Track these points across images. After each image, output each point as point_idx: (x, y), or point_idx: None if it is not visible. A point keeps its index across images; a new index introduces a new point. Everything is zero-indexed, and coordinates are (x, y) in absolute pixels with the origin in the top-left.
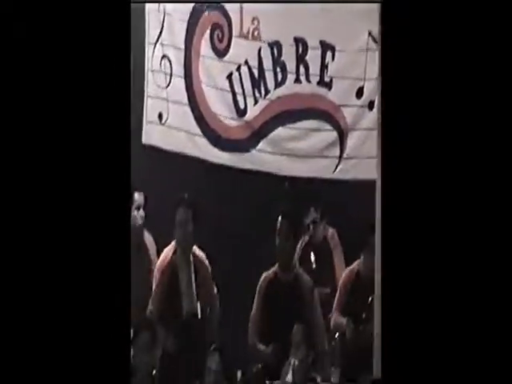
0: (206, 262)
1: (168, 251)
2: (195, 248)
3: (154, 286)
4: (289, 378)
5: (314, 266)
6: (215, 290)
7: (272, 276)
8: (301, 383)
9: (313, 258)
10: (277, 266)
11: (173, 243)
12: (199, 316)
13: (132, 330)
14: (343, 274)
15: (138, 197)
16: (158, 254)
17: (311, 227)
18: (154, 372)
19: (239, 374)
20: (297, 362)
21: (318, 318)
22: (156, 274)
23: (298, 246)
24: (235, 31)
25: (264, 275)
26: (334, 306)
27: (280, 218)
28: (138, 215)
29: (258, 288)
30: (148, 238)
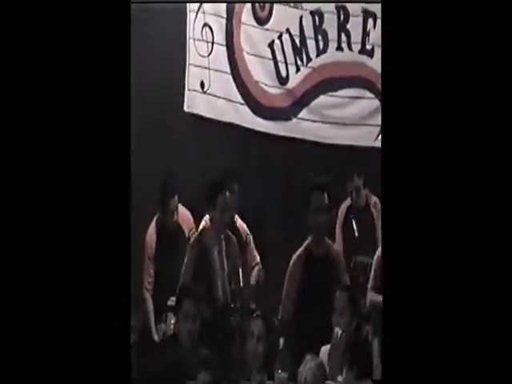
0: (248, 230)
1: (207, 220)
2: (236, 217)
3: (188, 257)
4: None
5: (356, 233)
6: (258, 258)
7: (306, 252)
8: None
9: (355, 225)
10: (310, 239)
11: (212, 213)
12: (241, 284)
13: (175, 298)
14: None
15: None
16: (196, 225)
17: (354, 193)
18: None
19: (281, 340)
20: (340, 332)
21: (358, 287)
22: (194, 243)
23: (340, 212)
24: None
25: (297, 253)
26: (370, 284)
27: (314, 191)
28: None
29: (290, 264)
30: (184, 214)
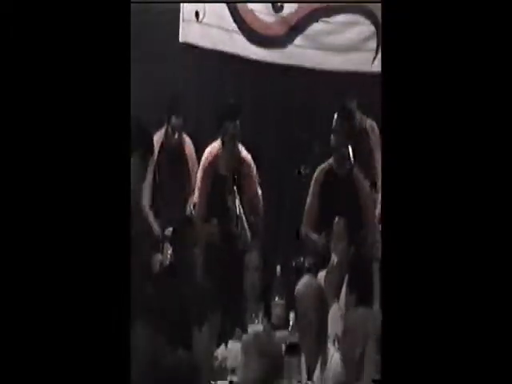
0: (252, 161)
1: (211, 150)
2: (241, 148)
3: (197, 186)
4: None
5: (351, 160)
6: (259, 191)
7: (328, 168)
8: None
9: (351, 151)
10: (332, 159)
11: (216, 142)
12: (243, 216)
13: (172, 228)
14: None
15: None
16: (198, 155)
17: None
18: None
19: (278, 268)
20: (335, 259)
21: (372, 214)
22: (199, 174)
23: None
24: None
25: (320, 167)
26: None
27: (336, 116)
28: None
29: (313, 179)
30: (187, 141)
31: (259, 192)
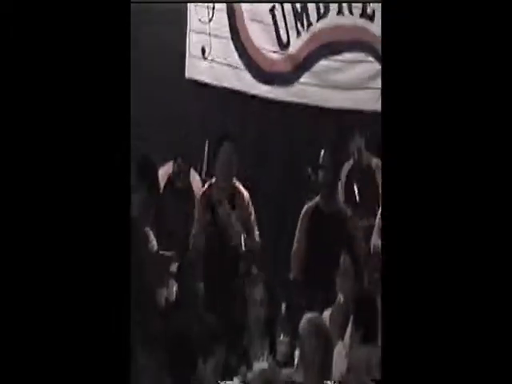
0: (248, 197)
1: (207, 186)
2: (236, 182)
3: (195, 220)
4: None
5: (357, 197)
6: (255, 223)
7: (314, 207)
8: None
9: (356, 188)
10: (319, 197)
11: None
12: (243, 248)
13: (177, 265)
14: None
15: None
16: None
17: (356, 154)
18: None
19: (283, 305)
20: (342, 298)
21: (362, 249)
22: (197, 209)
23: (342, 172)
24: None
25: (306, 207)
26: (375, 229)
27: (322, 151)
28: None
29: (299, 220)
30: (194, 176)
31: (255, 225)
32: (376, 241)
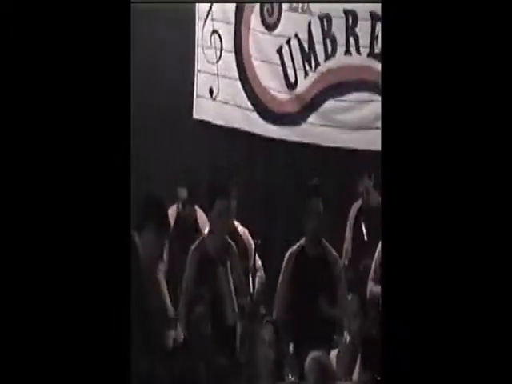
0: (250, 237)
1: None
2: (238, 224)
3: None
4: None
5: (365, 238)
6: (260, 263)
7: (299, 250)
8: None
9: (364, 227)
10: (304, 240)
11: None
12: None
13: (184, 308)
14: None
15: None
16: None
17: (364, 194)
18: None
19: (291, 346)
20: (348, 337)
21: (344, 295)
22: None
23: (350, 212)
24: (285, 5)
25: (290, 251)
26: (370, 275)
27: (309, 196)
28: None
29: (284, 263)
30: (200, 214)
31: (259, 264)
32: (371, 287)
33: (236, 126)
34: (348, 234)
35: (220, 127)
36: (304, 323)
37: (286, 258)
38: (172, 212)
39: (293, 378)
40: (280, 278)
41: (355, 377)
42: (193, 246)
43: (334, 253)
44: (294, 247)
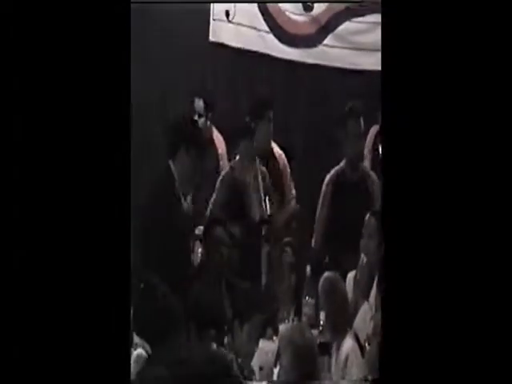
0: (285, 158)
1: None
2: (274, 144)
3: (218, 192)
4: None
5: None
6: (294, 191)
7: (339, 173)
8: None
9: (381, 150)
10: (343, 163)
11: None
12: (269, 213)
13: (203, 226)
14: None
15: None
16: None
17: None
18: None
19: (308, 268)
20: (365, 259)
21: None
22: (225, 178)
23: (369, 136)
24: None
25: (329, 175)
26: None
27: (349, 117)
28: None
29: (323, 187)
30: (217, 136)
31: (293, 191)
32: None
33: (252, 47)
34: (367, 158)
35: (237, 49)
36: (339, 248)
37: (325, 182)
38: None
39: (310, 300)
40: (319, 202)
41: (371, 299)
42: (223, 172)
43: (374, 176)
44: (333, 171)
